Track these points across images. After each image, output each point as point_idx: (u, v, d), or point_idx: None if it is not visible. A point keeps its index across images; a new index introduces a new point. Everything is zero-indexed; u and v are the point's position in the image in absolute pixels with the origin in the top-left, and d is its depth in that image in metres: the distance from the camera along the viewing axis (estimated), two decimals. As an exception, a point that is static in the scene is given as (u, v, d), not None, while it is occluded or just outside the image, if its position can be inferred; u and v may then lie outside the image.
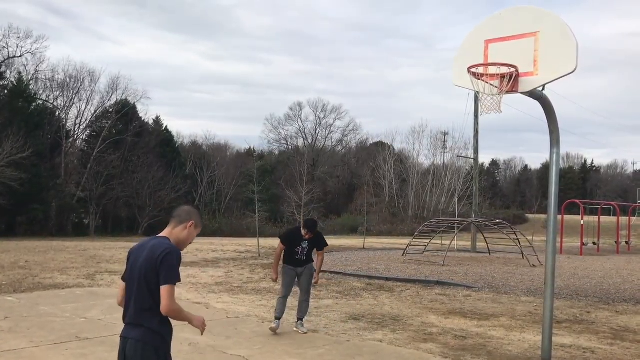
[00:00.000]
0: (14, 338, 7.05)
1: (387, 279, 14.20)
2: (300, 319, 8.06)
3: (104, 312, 8.90)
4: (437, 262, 18.46)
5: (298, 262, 8.07)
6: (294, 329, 8.00)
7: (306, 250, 8.07)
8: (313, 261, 8.27)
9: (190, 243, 3.49)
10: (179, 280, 3.19)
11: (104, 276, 13.48)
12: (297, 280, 8.18)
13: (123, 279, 3.42)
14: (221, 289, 11.90)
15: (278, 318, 7.91)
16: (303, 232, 7.97)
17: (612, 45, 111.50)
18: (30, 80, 43.13)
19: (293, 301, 8.50)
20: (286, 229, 8.38)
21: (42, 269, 14.49)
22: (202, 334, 3.50)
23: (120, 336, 3.33)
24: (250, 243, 26.77)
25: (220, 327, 8.03)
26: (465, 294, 12.06)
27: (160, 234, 3.38)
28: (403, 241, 28.13)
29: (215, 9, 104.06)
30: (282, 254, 8.13)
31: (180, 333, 7.56)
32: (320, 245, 8.21)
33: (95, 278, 13.09)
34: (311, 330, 8.03)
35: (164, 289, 3.13)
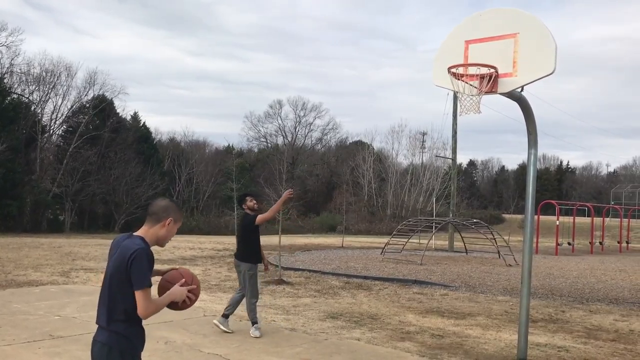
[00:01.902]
0: (-15, 336, 6.91)
1: (365, 278, 14.23)
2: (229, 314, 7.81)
3: (78, 309, 8.77)
4: (414, 261, 18.56)
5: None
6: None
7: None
8: None
9: (170, 239, 3.35)
10: (150, 284, 3.04)
11: (79, 273, 13.29)
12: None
13: None
14: (211, 285, 11.79)
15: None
16: (250, 202, 7.80)
17: (589, 49, 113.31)
18: (5, 74, 42.34)
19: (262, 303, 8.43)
20: (248, 215, 7.82)
21: (15, 266, 14.24)
22: (188, 299, 3.22)
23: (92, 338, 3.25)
24: (228, 241, 26.64)
25: (197, 325, 7.96)
26: (442, 293, 12.14)
27: (137, 232, 3.22)
28: (381, 240, 28.25)
29: (196, 5, 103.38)
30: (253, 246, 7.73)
31: (157, 331, 7.51)
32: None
33: (70, 275, 12.91)
34: (289, 329, 8.01)
35: (138, 295, 3.01)
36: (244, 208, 7.88)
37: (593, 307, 10.98)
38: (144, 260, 3.02)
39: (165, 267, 3.48)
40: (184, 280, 3.24)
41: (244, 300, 7.68)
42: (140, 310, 3.03)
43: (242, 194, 8.25)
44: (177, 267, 3.42)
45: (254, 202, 7.90)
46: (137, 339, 3.19)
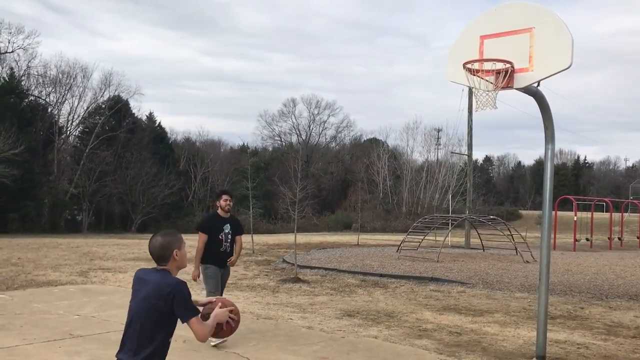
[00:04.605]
0: (6, 336, 7.00)
1: (381, 276, 14.20)
2: None
3: (97, 309, 8.85)
4: (431, 258, 18.49)
5: (223, 255, 7.23)
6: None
7: (230, 235, 7.29)
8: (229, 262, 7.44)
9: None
10: (198, 311, 3.20)
11: (97, 273, 13.42)
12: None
13: None
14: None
15: None
16: (223, 201, 7.29)
17: (606, 43, 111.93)
18: (22, 76, 42.87)
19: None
20: (202, 217, 7.63)
21: (34, 266, 14.42)
22: (231, 319, 3.39)
23: None
24: (243, 240, 26.68)
25: (214, 323, 7.99)
26: (459, 290, 12.08)
27: (160, 268, 3.26)
28: (397, 238, 28.17)
29: (210, 6, 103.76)
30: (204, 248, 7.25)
31: (175, 330, 7.53)
32: (240, 228, 7.54)
33: (89, 275, 13.03)
34: (306, 327, 8.01)
35: (192, 323, 3.13)
36: (216, 206, 7.44)
37: (613, 304, 10.86)
38: (185, 292, 3.14)
39: (202, 299, 3.60)
40: (221, 303, 3.41)
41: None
42: (199, 335, 3.17)
43: (220, 191, 7.76)
44: (214, 298, 3.56)
45: (227, 201, 7.36)
46: None
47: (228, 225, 7.29)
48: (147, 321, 3.14)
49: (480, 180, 70.07)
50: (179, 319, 3.16)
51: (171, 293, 3.10)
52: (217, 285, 7.13)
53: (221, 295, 7.22)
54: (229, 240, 7.26)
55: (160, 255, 3.26)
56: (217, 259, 7.20)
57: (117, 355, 3.21)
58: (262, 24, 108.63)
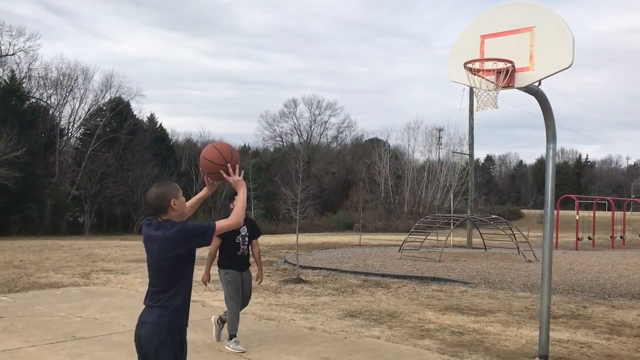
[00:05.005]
0: (9, 338, 7.00)
1: (383, 276, 14.19)
2: (234, 335, 6.74)
3: (99, 310, 8.85)
4: (433, 258, 18.47)
5: (241, 259, 6.85)
6: (227, 347, 6.69)
7: (247, 238, 6.90)
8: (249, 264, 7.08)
9: (186, 208, 3.49)
10: (212, 222, 3.29)
11: (99, 275, 13.42)
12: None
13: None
14: (217, 286, 11.84)
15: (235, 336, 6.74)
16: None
17: (607, 41, 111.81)
18: (23, 79, 42.92)
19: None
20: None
21: (37, 268, 14.42)
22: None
23: (138, 319, 3.36)
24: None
25: (216, 325, 7.99)
26: (461, 290, 12.07)
27: (161, 220, 3.34)
28: (399, 237, 28.16)
29: (211, 7, 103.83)
30: (218, 252, 6.89)
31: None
32: (257, 230, 7.12)
33: (91, 277, 13.03)
34: (308, 328, 8.01)
35: (220, 228, 3.26)
36: (230, 207, 6.90)
37: (615, 303, 10.84)
38: (189, 226, 3.23)
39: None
40: (226, 162, 3.48)
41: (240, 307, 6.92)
42: (234, 218, 3.34)
43: (234, 191, 7.52)
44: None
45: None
46: (184, 313, 3.34)
47: (244, 227, 6.84)
48: (165, 271, 3.27)
49: (482, 180, 70.05)
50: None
51: (182, 238, 3.20)
52: (238, 290, 6.79)
53: (247, 302, 7.05)
54: (246, 243, 6.92)
55: (158, 206, 3.32)
56: (235, 263, 6.83)
57: (144, 302, 3.38)
58: (263, 24, 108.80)
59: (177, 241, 3.20)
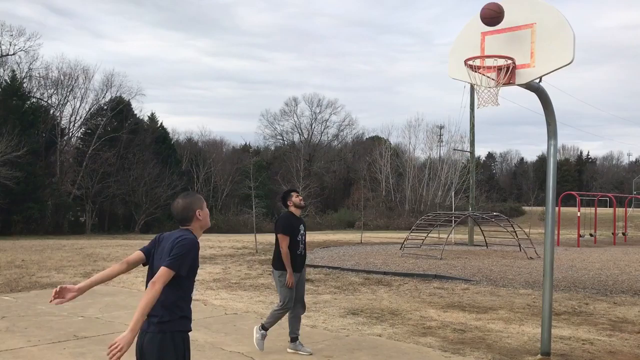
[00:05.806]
0: (11, 337, 7.01)
1: (385, 274, 14.19)
2: (296, 337, 6.71)
3: (101, 310, 8.86)
4: (434, 255, 18.47)
5: (300, 258, 6.64)
6: (290, 350, 6.65)
7: (304, 237, 6.75)
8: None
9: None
10: (179, 270, 3.11)
11: (101, 274, 13.41)
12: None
13: (142, 250, 3.45)
14: (219, 285, 11.87)
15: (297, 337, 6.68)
16: (297, 198, 6.70)
17: (608, 37, 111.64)
18: (23, 79, 42.89)
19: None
20: (279, 218, 6.92)
21: (38, 268, 14.44)
22: (107, 354, 3.14)
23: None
24: (247, 239, 26.74)
25: (218, 323, 8.00)
26: (463, 288, 12.07)
27: (183, 228, 3.39)
28: (400, 235, 28.15)
29: (212, 6, 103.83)
30: (274, 252, 6.76)
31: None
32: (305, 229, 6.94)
33: (93, 276, 13.03)
34: (310, 326, 8.01)
35: (162, 269, 3.09)
36: (289, 205, 6.74)
37: (617, 299, 10.83)
38: (186, 245, 3.18)
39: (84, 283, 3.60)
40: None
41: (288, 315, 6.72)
42: (155, 282, 3.07)
43: (289, 189, 7.06)
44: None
45: (300, 197, 6.81)
46: (187, 320, 3.31)
47: (302, 225, 6.70)
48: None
49: (483, 177, 69.93)
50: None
51: (176, 240, 3.20)
52: (293, 291, 6.56)
53: (303, 301, 6.75)
54: (304, 242, 6.71)
55: (184, 217, 3.38)
56: (294, 263, 6.53)
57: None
58: (265, 23, 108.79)
59: (173, 244, 3.25)
